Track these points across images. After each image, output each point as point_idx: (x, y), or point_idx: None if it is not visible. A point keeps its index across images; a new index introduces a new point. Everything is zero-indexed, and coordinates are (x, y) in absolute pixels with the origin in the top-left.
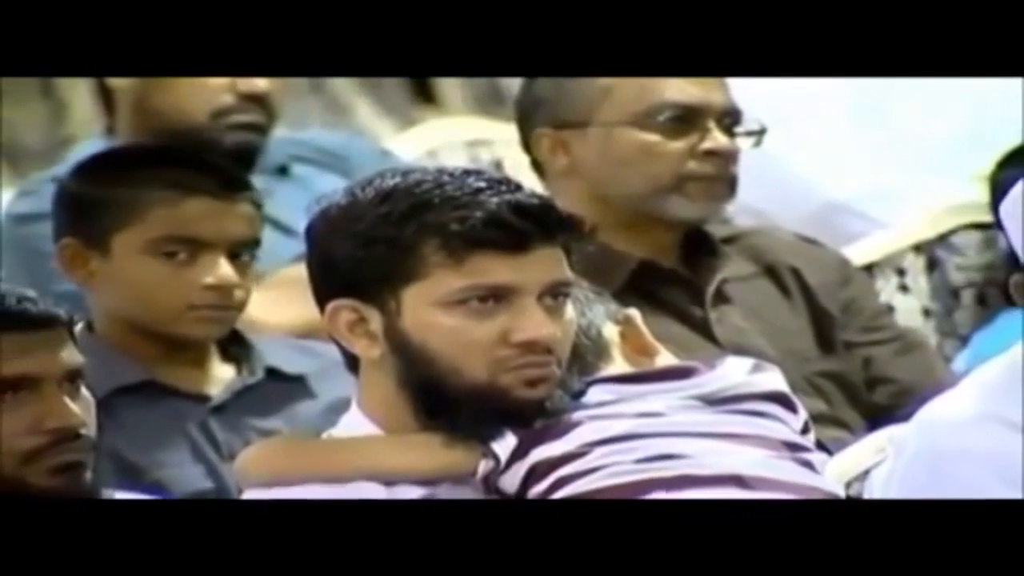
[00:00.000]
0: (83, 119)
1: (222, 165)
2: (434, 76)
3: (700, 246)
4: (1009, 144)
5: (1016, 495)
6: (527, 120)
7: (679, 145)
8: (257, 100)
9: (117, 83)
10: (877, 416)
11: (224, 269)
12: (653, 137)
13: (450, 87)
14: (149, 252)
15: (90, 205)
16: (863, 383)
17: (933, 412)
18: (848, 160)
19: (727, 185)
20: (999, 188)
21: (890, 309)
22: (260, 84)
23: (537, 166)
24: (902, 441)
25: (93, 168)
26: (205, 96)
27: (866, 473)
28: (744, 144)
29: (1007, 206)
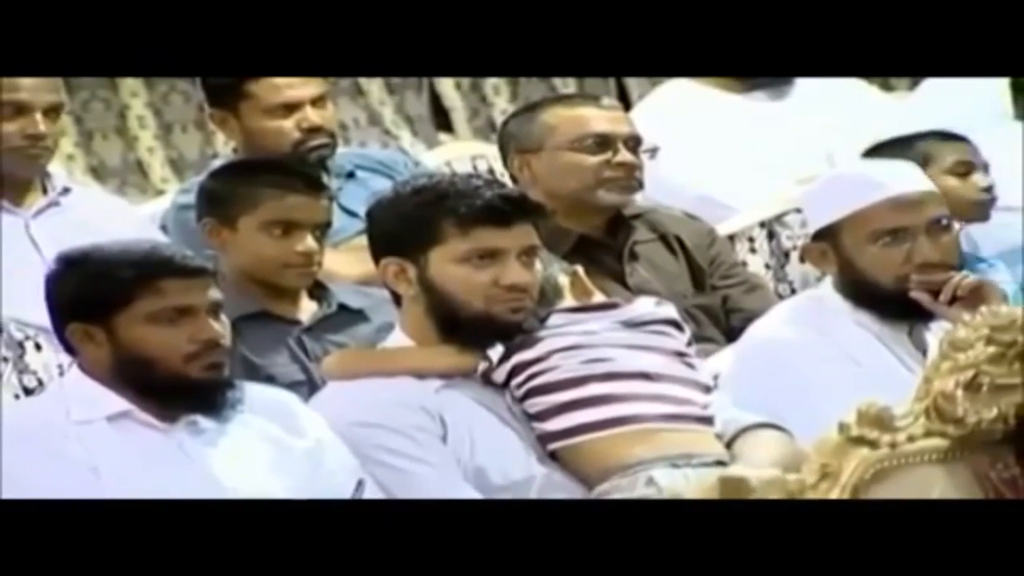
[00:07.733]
0: (223, 141)
1: (310, 172)
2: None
3: (618, 223)
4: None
5: (818, 368)
6: (504, 148)
7: (599, 159)
8: (317, 129)
9: (225, 131)
10: (733, 336)
11: (310, 242)
12: (582, 156)
13: (461, 122)
14: (263, 230)
15: (223, 197)
16: (723, 313)
17: (758, 324)
18: (715, 168)
19: (634, 185)
20: None
21: (743, 263)
22: (315, 120)
23: (513, 178)
24: (738, 344)
25: (223, 172)
26: (283, 136)
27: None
28: (644, 158)
29: (806, 197)
